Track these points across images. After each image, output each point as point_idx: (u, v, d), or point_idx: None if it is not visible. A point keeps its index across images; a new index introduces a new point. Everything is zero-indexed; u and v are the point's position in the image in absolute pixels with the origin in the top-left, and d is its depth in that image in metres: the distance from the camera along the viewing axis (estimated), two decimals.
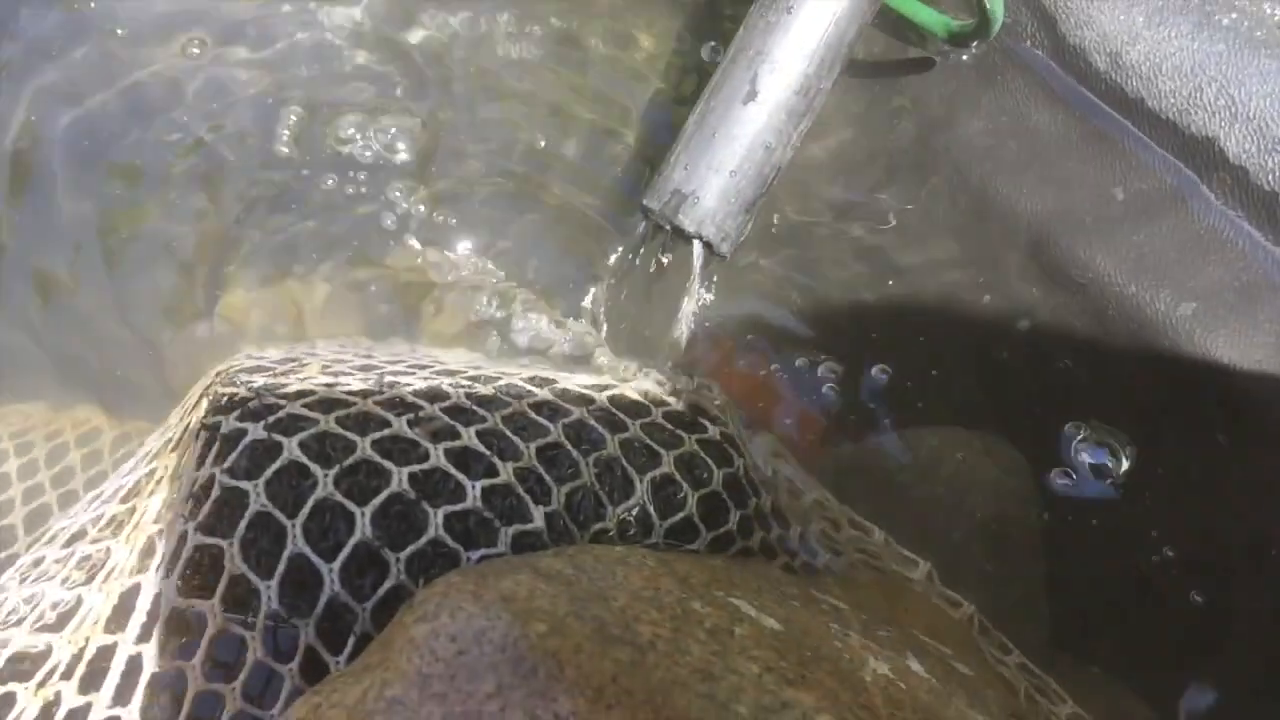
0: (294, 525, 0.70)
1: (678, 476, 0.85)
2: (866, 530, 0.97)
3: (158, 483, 0.84)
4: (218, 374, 0.87)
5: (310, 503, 0.71)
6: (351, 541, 0.70)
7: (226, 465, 0.72)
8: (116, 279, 1.16)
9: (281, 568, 0.70)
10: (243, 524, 0.70)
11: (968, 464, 1.03)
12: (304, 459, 0.72)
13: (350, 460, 0.73)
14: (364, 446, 0.74)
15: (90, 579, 0.80)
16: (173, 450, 0.86)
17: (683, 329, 1.08)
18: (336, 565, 0.70)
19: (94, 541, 0.82)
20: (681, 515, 0.84)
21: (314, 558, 0.70)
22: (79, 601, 0.78)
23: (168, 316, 1.16)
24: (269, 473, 0.71)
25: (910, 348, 1.09)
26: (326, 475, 0.72)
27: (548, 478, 0.79)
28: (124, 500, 0.85)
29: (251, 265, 1.18)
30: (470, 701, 0.60)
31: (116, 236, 1.17)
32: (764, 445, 0.98)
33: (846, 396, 1.09)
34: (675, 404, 0.92)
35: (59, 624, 0.78)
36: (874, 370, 1.09)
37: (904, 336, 1.10)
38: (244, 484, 0.71)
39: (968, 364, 1.09)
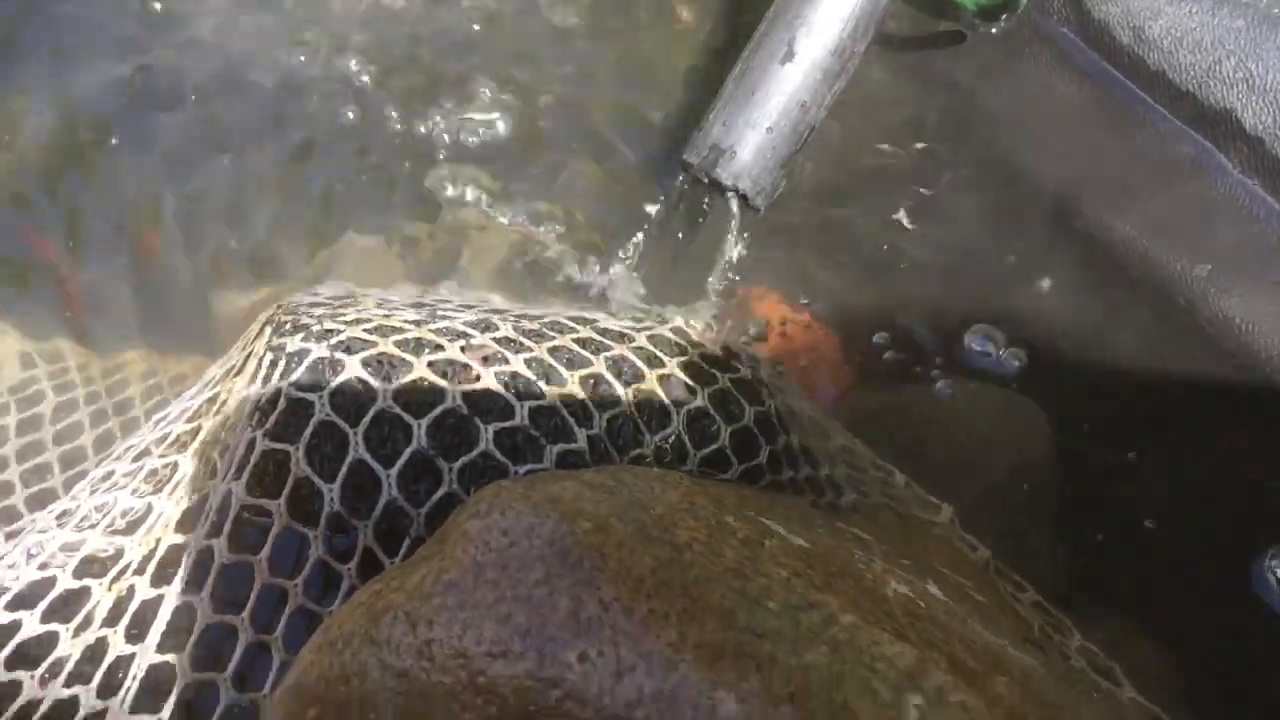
0: (355, 434, 0.75)
1: (712, 411, 0.89)
2: (890, 474, 1.01)
3: (221, 404, 0.89)
4: (279, 306, 0.92)
5: (371, 414, 0.76)
6: (408, 450, 0.75)
7: (293, 379, 0.77)
8: (180, 230, 1.22)
9: (343, 472, 0.75)
10: (308, 431, 0.75)
11: (990, 419, 1.07)
12: (365, 374, 0.77)
13: (408, 378, 0.78)
14: (420, 366, 0.79)
15: (158, 489, 0.85)
16: (235, 375, 0.91)
17: (718, 279, 1.13)
18: (394, 472, 0.75)
19: (161, 456, 0.87)
20: (715, 447, 0.89)
21: (374, 464, 0.74)
22: (149, 509, 0.84)
23: (223, 268, 1.21)
24: (332, 386, 0.76)
25: (936, 307, 1.13)
26: (386, 389, 0.77)
27: (590, 404, 0.83)
28: (189, 420, 0.90)
29: (298, 218, 1.23)
30: (520, 587, 0.65)
31: (179, 190, 1.23)
32: (793, 391, 1.03)
33: (873, 350, 1.13)
34: (710, 347, 0.96)
35: (130, 529, 0.83)
36: (900, 327, 1.14)
37: (930, 296, 1.15)
38: (309, 395, 0.76)
39: (991, 322, 1.13)
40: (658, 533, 0.70)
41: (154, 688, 0.71)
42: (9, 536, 0.87)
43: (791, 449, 0.95)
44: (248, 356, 0.90)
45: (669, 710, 0.61)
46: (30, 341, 1.10)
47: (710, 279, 1.12)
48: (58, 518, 0.86)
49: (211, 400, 0.91)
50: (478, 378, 0.80)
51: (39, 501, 0.94)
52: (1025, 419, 1.07)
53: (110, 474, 0.89)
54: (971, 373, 1.10)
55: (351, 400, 0.76)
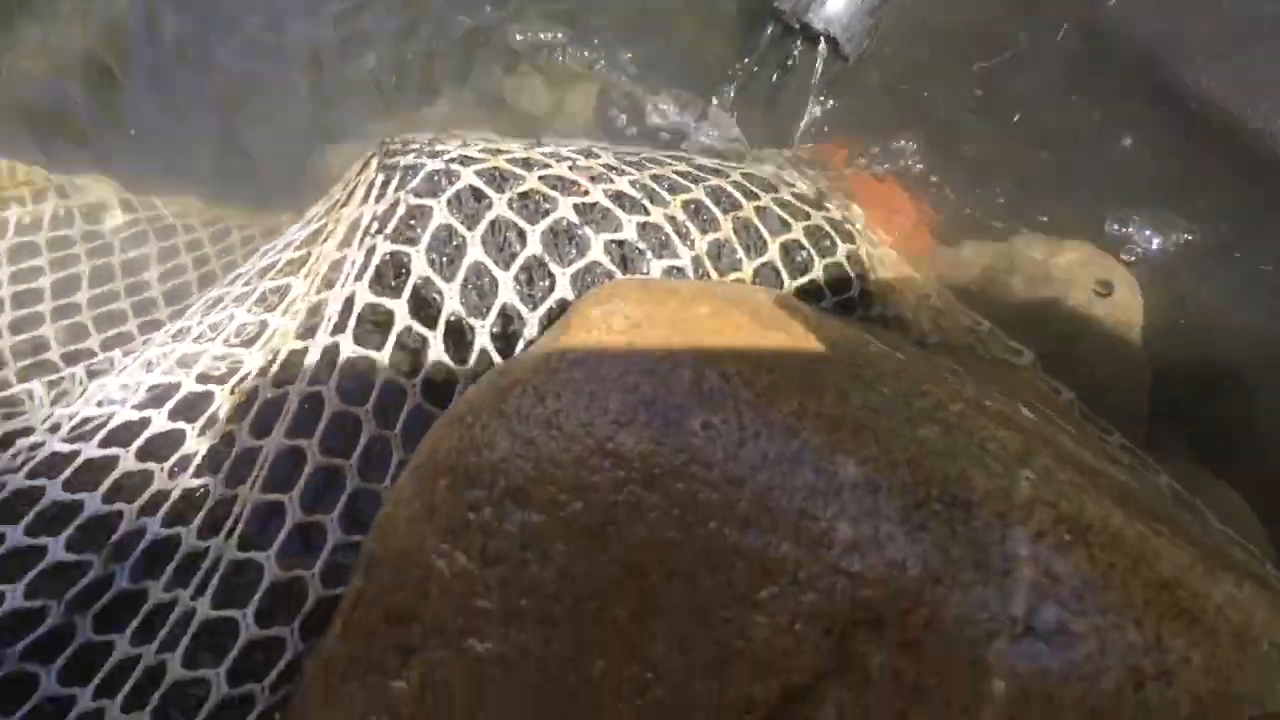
0: (473, 236, 0.77)
1: (805, 243, 0.91)
2: (975, 320, 1.02)
3: (329, 234, 0.92)
4: (382, 143, 0.94)
5: (487, 219, 0.78)
6: (524, 254, 0.78)
7: (410, 187, 0.79)
8: (268, 90, 1.24)
9: (461, 274, 0.77)
10: (427, 235, 0.77)
11: (1069, 268, 1.08)
12: (480, 184, 0.79)
13: (521, 188, 0.80)
14: (531, 179, 0.81)
15: (272, 309, 0.88)
16: (341, 207, 0.93)
17: (804, 129, 1.14)
18: (510, 274, 0.77)
19: (272, 280, 0.90)
20: (809, 278, 0.90)
21: (491, 265, 0.77)
22: (264, 325, 0.87)
23: (312, 128, 1.23)
24: (450, 193, 0.79)
25: (1015, 165, 1.14)
26: (501, 197, 0.79)
27: (692, 226, 0.85)
28: (296, 250, 0.93)
29: (386, 82, 1.25)
30: (644, 362, 0.67)
31: (272, 53, 1.25)
32: (878, 237, 1.04)
33: (955, 203, 1.14)
34: (802, 188, 0.98)
35: (247, 343, 0.86)
36: (982, 181, 1.14)
37: (1010, 155, 1.15)
38: (428, 200, 0.78)
39: (1071, 174, 1.13)
40: (773, 321, 0.72)
41: (284, 474, 0.74)
42: (126, 354, 0.90)
43: (880, 288, 0.96)
44: (353, 189, 0.93)
45: (791, 473, 0.63)
46: (130, 193, 1.13)
47: (797, 128, 1.13)
48: (173, 335, 0.89)
49: (317, 232, 0.94)
50: (586, 192, 0.82)
51: (150, 330, 0.98)
52: (1103, 274, 1.08)
53: (220, 299, 0.92)
54: (1049, 228, 1.11)
55: (468, 207, 0.78)
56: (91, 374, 0.86)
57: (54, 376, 0.85)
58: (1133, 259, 1.10)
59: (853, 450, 0.64)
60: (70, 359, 0.90)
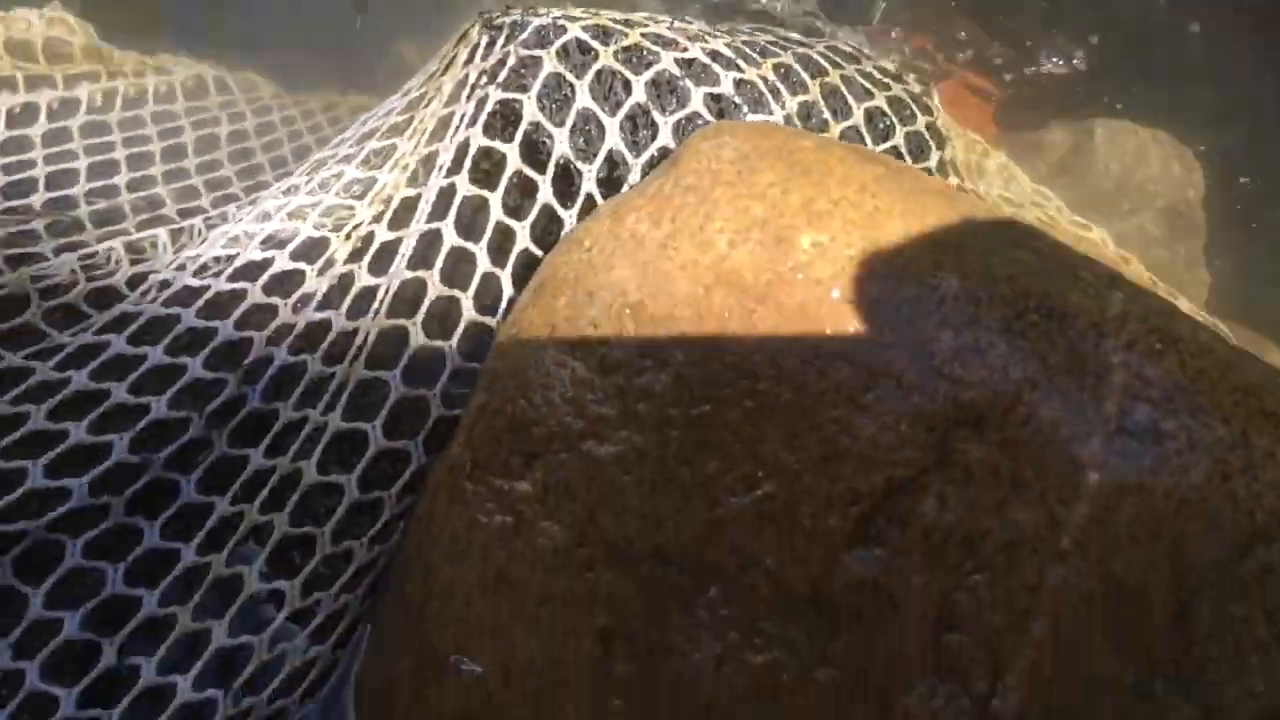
0: (581, 84, 0.81)
1: (887, 110, 0.95)
2: (1045, 196, 1.06)
3: (431, 99, 0.96)
4: (480, 14, 0.98)
5: (594, 69, 0.82)
6: (629, 102, 0.82)
7: (520, 40, 0.83)
8: None
9: (570, 119, 0.81)
10: (537, 82, 0.82)
11: (1138, 149, 1.11)
12: (587, 37, 0.83)
13: (625, 43, 0.84)
14: (634, 35, 0.85)
15: (380, 166, 0.92)
16: (441, 75, 0.97)
17: (886, 7, 1.17)
18: (617, 120, 0.81)
19: (378, 140, 0.94)
20: (890, 144, 0.94)
21: (599, 112, 0.81)
22: (374, 180, 0.91)
23: (389, 18, 1.27)
24: (558, 44, 0.83)
25: (1085, 52, 1.17)
26: (606, 49, 0.83)
27: (782, 87, 0.89)
28: (399, 115, 0.97)
29: None
30: (754, 188, 0.71)
31: None
32: (951, 117, 1.07)
33: (1026, 86, 1.17)
34: (882, 63, 1.01)
35: (359, 195, 0.90)
36: (1052, 62, 1.17)
37: (1078, 42, 1.18)
38: (537, 51, 0.82)
39: (1140, 66, 1.16)
40: (870, 156, 0.76)
41: (406, 302, 0.79)
42: (240, 209, 0.95)
43: (956, 160, 1.00)
44: (452, 58, 0.96)
45: (897, 287, 0.68)
46: (225, 71, 1.18)
47: (876, 9, 1.17)
48: (284, 192, 0.93)
49: (419, 99, 0.98)
50: (685, 49, 0.85)
51: (256, 193, 1.02)
52: (1166, 155, 1.11)
53: (324, 161, 0.96)
54: (1116, 112, 1.14)
55: (575, 58, 0.82)
56: (209, 225, 0.91)
57: (174, 227, 0.90)
58: (1202, 147, 1.13)
59: (954, 267, 0.68)
60: (185, 215, 0.95)
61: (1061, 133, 1.13)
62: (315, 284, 0.84)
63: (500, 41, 0.85)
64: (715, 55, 0.87)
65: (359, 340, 0.79)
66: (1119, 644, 0.62)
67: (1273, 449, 0.62)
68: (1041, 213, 1.03)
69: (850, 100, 0.93)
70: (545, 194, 0.81)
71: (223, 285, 0.81)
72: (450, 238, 0.79)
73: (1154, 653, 0.61)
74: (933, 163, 0.97)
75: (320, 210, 0.88)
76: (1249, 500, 0.61)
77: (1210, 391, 0.64)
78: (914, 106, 0.98)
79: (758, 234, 0.69)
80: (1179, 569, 0.61)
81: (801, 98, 0.90)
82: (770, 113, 0.86)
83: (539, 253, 0.82)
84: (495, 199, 0.80)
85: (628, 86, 0.81)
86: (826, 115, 0.91)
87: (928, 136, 0.97)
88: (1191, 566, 0.60)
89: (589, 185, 0.81)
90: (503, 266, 0.81)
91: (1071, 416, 0.63)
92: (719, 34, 0.92)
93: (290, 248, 0.85)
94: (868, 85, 0.96)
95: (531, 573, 0.71)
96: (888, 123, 0.94)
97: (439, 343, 0.77)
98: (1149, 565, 0.61)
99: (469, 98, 0.85)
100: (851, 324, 0.67)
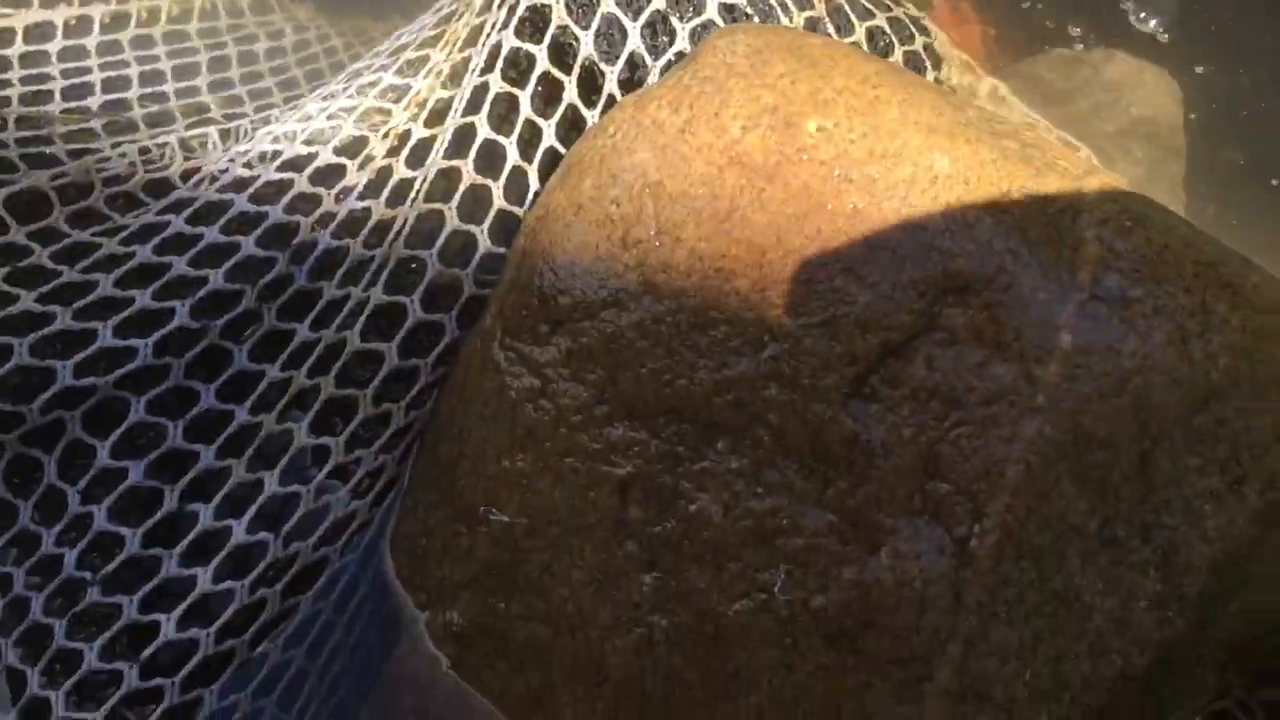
0: None
1: (887, 30, 1.01)
2: (1035, 118, 1.12)
3: (463, 12, 1.02)
4: None
5: None
6: (650, 8, 0.88)
7: None
8: None
9: (595, 23, 0.88)
10: None
11: (1126, 79, 1.17)
12: None
13: None
14: None
15: (414, 74, 0.99)
16: None
17: None
18: (638, 24, 0.88)
19: (415, 50, 1.00)
20: (890, 60, 1.00)
21: (622, 16, 0.87)
22: (408, 87, 0.97)
23: None
24: None
25: None
26: None
27: (790, 3, 0.95)
28: (432, 29, 1.04)
29: None
30: (765, 79, 0.78)
31: None
32: (944, 39, 1.14)
33: (1020, 15, 1.24)
34: None
35: (396, 99, 0.97)
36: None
37: None
38: None
39: None
40: (873, 55, 0.82)
41: (441, 189, 0.86)
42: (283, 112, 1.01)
43: (951, 83, 1.06)
44: None
45: (893, 167, 0.74)
46: None
47: None
48: (325, 97, 1.00)
49: (452, 13, 1.04)
50: None
51: (292, 101, 1.09)
52: (1154, 85, 1.17)
53: (360, 72, 1.03)
54: (1111, 40, 1.20)
55: None
56: (254, 126, 0.97)
57: (223, 127, 0.96)
58: (1192, 73, 1.19)
59: (947, 150, 0.75)
60: (230, 120, 1.01)
61: (1052, 62, 1.19)
62: (356, 177, 0.91)
63: None
64: None
65: (398, 226, 0.86)
66: (1086, 491, 0.69)
67: (1229, 315, 0.69)
68: (1032, 134, 1.09)
69: (853, 17, 0.99)
70: (571, 94, 0.87)
71: (271, 175, 0.88)
72: (483, 130, 0.85)
73: (1117, 500, 0.68)
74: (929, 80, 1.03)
75: (358, 113, 0.95)
76: (1206, 361, 0.68)
77: (1174, 263, 0.70)
78: (913, 28, 1.04)
79: (768, 119, 0.76)
80: (1142, 420, 0.68)
81: (808, 13, 0.96)
82: (779, 24, 0.92)
83: (563, 150, 0.88)
84: (525, 96, 0.87)
85: None
86: (830, 30, 0.97)
87: (924, 56, 1.03)
88: (1153, 419, 0.67)
89: (611, 86, 0.88)
90: (530, 161, 0.87)
91: (1048, 284, 0.70)
92: None
93: (332, 144, 0.92)
94: (869, 5, 1.02)
95: (556, 430, 0.78)
96: (887, 41, 1.00)
97: (471, 227, 0.84)
98: (1115, 417, 0.68)
99: (500, 5, 0.91)
100: (852, 201, 0.74)
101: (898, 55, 1.00)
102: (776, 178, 0.75)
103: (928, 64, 1.03)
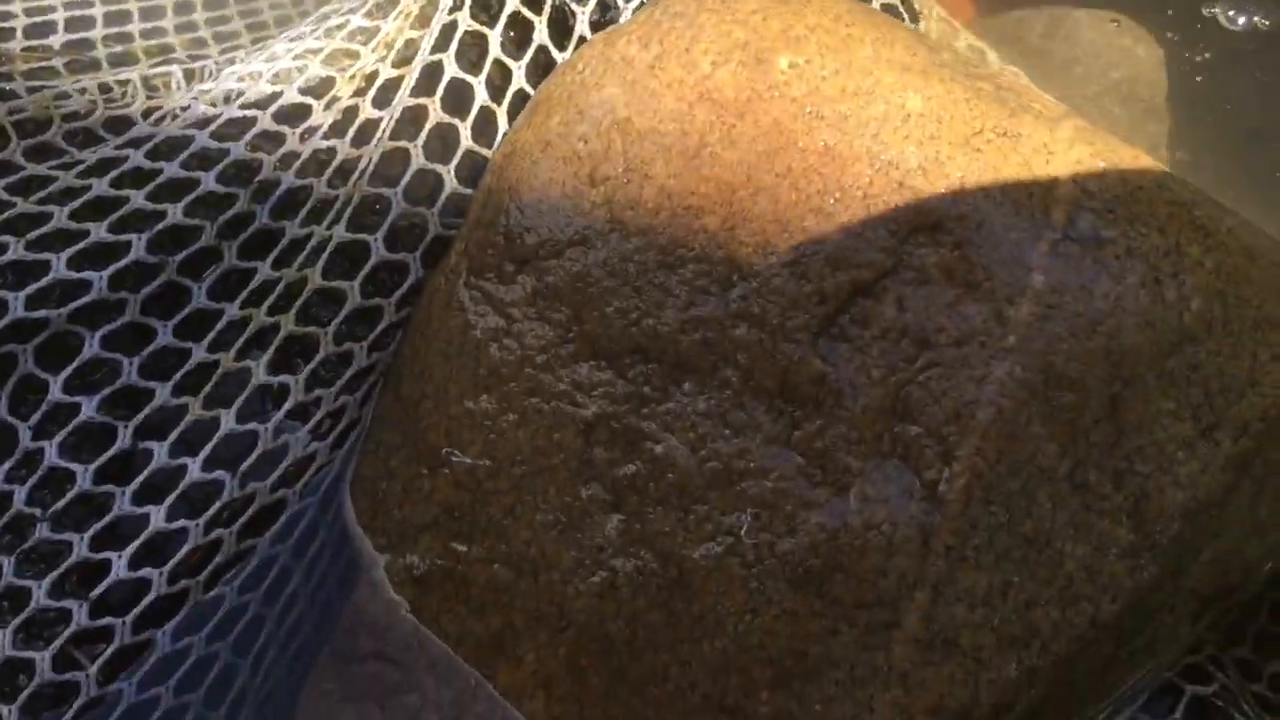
0: None
1: None
2: (1015, 72, 1.11)
3: None
4: None
5: None
6: None
7: None
8: None
9: None
10: None
11: (1108, 37, 1.17)
12: None
13: None
14: None
15: (385, 16, 0.97)
16: None
17: None
18: None
19: None
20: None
21: None
22: (378, 29, 0.96)
23: None
24: None
25: None
26: None
27: None
28: None
29: None
30: (737, 15, 0.77)
31: None
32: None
33: None
34: None
35: (364, 40, 0.95)
36: None
37: None
38: None
39: None
40: None
41: (407, 127, 0.84)
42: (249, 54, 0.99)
43: (930, 35, 1.05)
44: None
45: (865, 105, 0.73)
46: None
47: None
48: (292, 39, 0.98)
49: None
50: None
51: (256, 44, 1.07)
52: (1135, 43, 1.16)
53: (328, 15, 1.01)
54: (1089, 1, 1.19)
55: None
56: (219, 66, 0.95)
57: (187, 67, 0.94)
58: (1172, 35, 1.18)
59: (920, 88, 0.73)
60: (196, 60, 0.99)
61: (1035, 18, 1.18)
62: (321, 117, 0.89)
63: None
64: None
65: (362, 165, 0.84)
66: (1056, 434, 0.68)
67: (1202, 257, 0.68)
68: (1008, 79, 1.08)
69: None
70: (541, 35, 0.86)
71: (234, 113, 0.86)
72: (451, 68, 0.84)
73: (1089, 444, 0.67)
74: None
75: (326, 54, 0.93)
76: (1178, 303, 0.67)
77: (1148, 204, 0.69)
78: None
79: (739, 55, 0.75)
80: (1114, 363, 0.67)
81: None
82: None
83: (530, 89, 0.87)
84: (494, 35, 0.85)
85: None
86: None
87: (901, 9, 1.02)
88: (1125, 362, 0.66)
89: (582, 27, 0.86)
90: (499, 103, 0.86)
91: (1021, 223, 0.69)
92: None
93: (297, 84, 0.90)
94: None
95: (521, 370, 0.76)
96: None
97: (438, 166, 0.83)
98: (1086, 359, 0.67)
99: None
100: (823, 138, 0.72)
101: (875, 4, 0.99)
102: (747, 114, 0.73)
103: (904, 16, 1.02)
